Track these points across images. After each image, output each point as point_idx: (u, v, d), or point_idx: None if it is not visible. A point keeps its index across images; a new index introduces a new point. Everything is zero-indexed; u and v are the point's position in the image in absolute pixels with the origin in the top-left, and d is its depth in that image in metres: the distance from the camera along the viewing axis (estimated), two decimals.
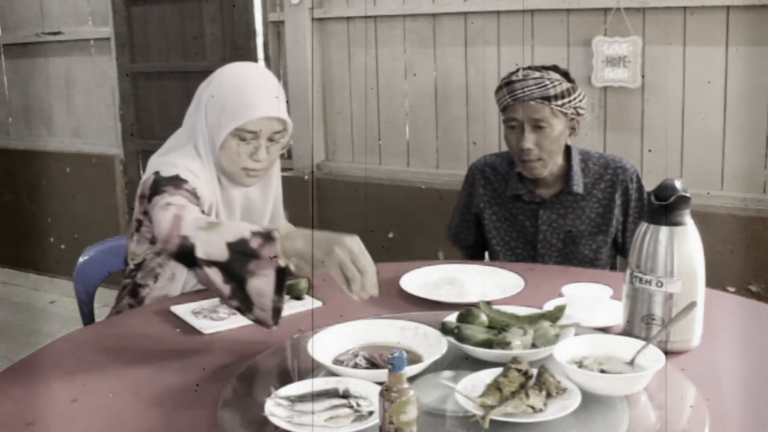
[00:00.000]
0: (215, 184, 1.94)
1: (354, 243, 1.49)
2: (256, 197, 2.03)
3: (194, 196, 1.80)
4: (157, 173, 1.83)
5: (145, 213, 1.84)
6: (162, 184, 1.79)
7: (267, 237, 1.55)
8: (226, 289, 1.55)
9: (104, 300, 2.22)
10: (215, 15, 3.74)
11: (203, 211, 1.81)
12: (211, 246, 1.56)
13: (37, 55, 4.43)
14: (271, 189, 2.04)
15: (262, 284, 1.52)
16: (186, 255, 1.59)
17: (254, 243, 1.54)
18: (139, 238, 1.96)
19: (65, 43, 4.29)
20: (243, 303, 1.55)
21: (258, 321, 1.55)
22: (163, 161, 1.88)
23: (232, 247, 1.55)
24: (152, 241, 1.92)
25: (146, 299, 1.97)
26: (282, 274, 1.53)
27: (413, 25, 3.26)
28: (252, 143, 1.88)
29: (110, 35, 4.07)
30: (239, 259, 1.54)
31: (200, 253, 1.56)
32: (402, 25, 3.29)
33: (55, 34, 4.29)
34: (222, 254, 1.55)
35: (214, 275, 1.55)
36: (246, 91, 1.88)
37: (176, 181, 1.80)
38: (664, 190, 1.50)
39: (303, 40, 3.46)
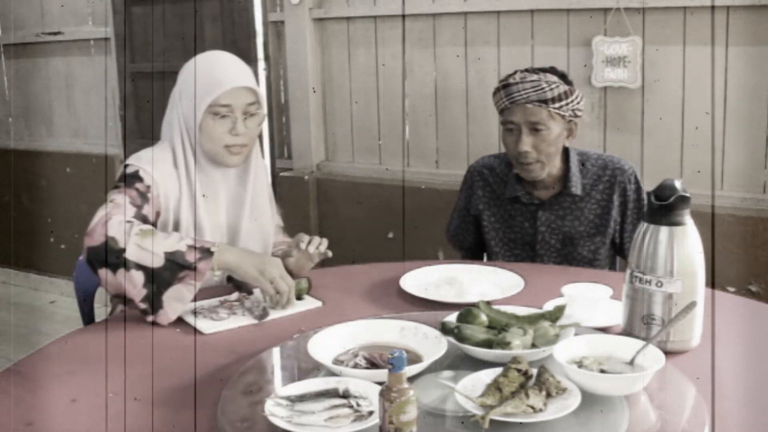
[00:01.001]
0: (192, 172, 1.94)
1: (280, 264, 1.80)
2: (234, 182, 2.03)
3: (142, 196, 1.86)
4: (124, 166, 1.92)
5: None
6: (119, 180, 1.90)
7: (205, 251, 1.73)
8: (142, 292, 1.70)
9: (104, 300, 2.21)
10: (215, 15, 3.74)
11: (158, 214, 1.88)
12: (143, 252, 1.70)
13: (37, 55, 4.43)
14: (249, 174, 2.03)
15: (186, 291, 1.72)
16: (104, 253, 1.70)
17: (191, 256, 1.72)
18: None
19: (65, 43, 4.29)
20: (152, 305, 1.70)
21: (154, 321, 1.71)
22: (134, 155, 1.94)
23: (169, 256, 1.71)
24: None
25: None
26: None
27: (413, 25, 3.26)
28: (228, 118, 1.92)
29: (110, 35, 4.06)
30: (172, 268, 1.71)
31: (130, 256, 1.69)
32: (402, 25, 3.28)
33: (55, 34, 4.29)
34: (155, 261, 1.70)
35: (136, 277, 1.69)
36: (213, 69, 1.94)
37: (129, 179, 1.88)
38: (664, 190, 1.50)
39: (303, 40, 3.47)
